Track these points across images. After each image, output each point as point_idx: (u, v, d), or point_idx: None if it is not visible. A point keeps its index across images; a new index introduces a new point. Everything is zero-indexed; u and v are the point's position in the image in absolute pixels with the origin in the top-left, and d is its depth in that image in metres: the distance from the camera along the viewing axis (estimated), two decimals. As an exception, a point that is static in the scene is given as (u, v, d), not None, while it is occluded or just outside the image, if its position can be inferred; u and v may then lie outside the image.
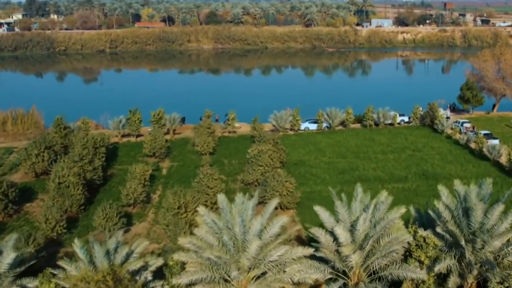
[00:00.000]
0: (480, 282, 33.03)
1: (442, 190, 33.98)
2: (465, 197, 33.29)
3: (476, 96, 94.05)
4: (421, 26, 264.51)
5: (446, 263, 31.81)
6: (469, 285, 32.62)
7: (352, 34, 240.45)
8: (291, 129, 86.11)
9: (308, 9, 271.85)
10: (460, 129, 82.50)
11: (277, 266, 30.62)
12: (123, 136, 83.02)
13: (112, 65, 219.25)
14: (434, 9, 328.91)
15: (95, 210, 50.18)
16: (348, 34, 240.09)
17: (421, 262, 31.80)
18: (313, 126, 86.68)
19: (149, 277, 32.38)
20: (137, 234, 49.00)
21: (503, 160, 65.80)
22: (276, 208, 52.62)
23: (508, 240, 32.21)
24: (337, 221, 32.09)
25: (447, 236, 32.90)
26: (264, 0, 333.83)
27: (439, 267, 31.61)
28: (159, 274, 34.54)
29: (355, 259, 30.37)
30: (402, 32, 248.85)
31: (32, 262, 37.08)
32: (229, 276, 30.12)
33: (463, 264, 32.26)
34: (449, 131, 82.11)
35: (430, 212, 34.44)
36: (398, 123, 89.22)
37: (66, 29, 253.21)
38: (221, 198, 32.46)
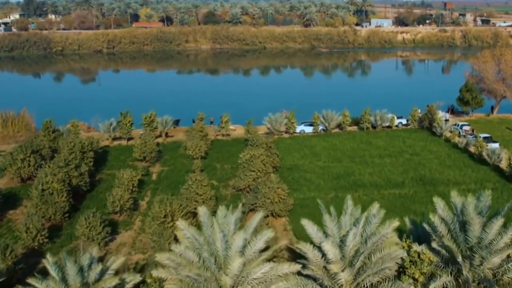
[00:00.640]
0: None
1: (438, 202, 31.96)
2: (462, 210, 31.28)
3: (476, 98, 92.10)
4: (421, 26, 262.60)
5: (442, 280, 29.80)
6: (467, 303, 30.75)
7: (351, 34, 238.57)
8: (286, 132, 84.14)
9: (307, 9, 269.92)
10: (459, 132, 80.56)
11: (262, 283, 28.65)
12: (114, 139, 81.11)
13: (109, 65, 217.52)
14: (434, 9, 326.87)
15: (80, 217, 48.26)
16: (347, 34, 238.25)
17: (415, 280, 29.81)
18: (309, 129, 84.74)
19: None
20: (123, 244, 47.24)
21: (503, 165, 63.87)
22: (267, 216, 51.15)
23: (508, 256, 30.22)
24: (326, 236, 30.07)
25: (443, 251, 30.90)
26: (263, 0, 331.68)
27: (435, 285, 29.61)
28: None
29: (344, 277, 28.42)
30: (401, 32, 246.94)
31: (6, 276, 35.25)
32: (210, 295, 28.26)
33: (460, 281, 30.27)
34: (448, 134, 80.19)
35: (425, 225, 32.36)
36: (396, 126, 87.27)
37: (64, 29, 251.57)
38: (202, 211, 30.52)
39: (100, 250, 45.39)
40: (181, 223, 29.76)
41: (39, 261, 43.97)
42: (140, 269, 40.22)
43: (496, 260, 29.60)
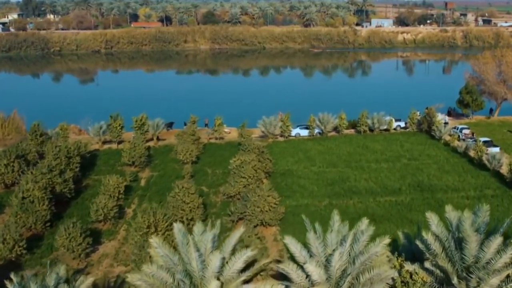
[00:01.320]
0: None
1: (431, 217, 29.79)
2: (458, 226, 29.11)
3: (476, 100, 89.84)
4: (421, 26, 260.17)
5: (436, 303, 27.74)
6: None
7: (351, 35, 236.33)
8: (281, 135, 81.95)
9: (307, 9, 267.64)
10: (459, 136, 78.36)
11: (241, 306, 26.57)
12: (104, 142, 78.99)
13: (107, 65, 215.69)
14: (435, 9, 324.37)
15: (60, 228, 46.15)
16: (347, 35, 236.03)
17: (407, 301, 27.74)
18: (304, 132, 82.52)
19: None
20: (105, 254, 45.13)
21: (504, 170, 61.57)
22: (257, 225, 49.11)
23: (508, 277, 28.03)
24: (310, 256, 27.92)
25: (437, 271, 28.75)
26: (263, 0, 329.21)
27: (428, 308, 27.56)
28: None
29: (330, 299, 26.35)
30: (402, 32, 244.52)
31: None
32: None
33: (455, 303, 28.19)
34: (447, 138, 77.96)
35: (418, 243, 30.12)
36: (394, 129, 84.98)
37: (62, 29, 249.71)
38: (177, 227, 28.38)
39: (81, 262, 43.49)
40: (154, 240, 27.64)
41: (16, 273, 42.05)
42: (119, 285, 38.21)
43: (494, 281, 27.36)
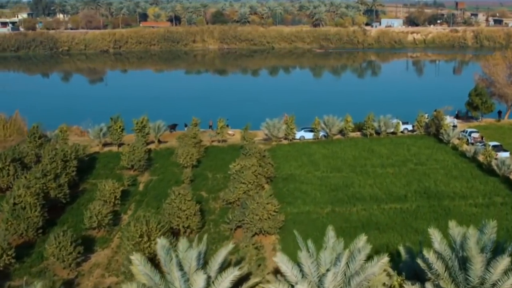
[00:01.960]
0: None
1: (434, 234, 27.78)
2: (462, 244, 27.12)
3: (486, 103, 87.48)
4: (431, 26, 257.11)
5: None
6: None
7: (360, 35, 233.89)
8: (285, 138, 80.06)
9: (317, 9, 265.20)
10: (468, 140, 76.19)
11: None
12: (105, 145, 77.49)
13: (115, 65, 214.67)
14: (446, 9, 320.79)
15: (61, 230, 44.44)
16: (356, 34, 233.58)
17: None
18: (309, 135, 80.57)
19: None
20: (97, 264, 43.52)
21: (514, 176, 59.59)
22: (256, 234, 47.38)
23: (515, 299, 26.11)
24: (303, 275, 26.08)
25: (440, 293, 26.82)
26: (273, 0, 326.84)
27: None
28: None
29: (323, 322, 24.51)
30: (412, 32, 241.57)
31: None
32: None
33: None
34: (456, 142, 75.78)
35: (420, 261, 28.08)
36: (401, 132, 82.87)
37: (71, 28, 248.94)
38: (160, 243, 26.65)
39: (71, 272, 41.91)
40: (136, 257, 25.90)
41: (3, 284, 40.58)
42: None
43: (501, 304, 25.48)
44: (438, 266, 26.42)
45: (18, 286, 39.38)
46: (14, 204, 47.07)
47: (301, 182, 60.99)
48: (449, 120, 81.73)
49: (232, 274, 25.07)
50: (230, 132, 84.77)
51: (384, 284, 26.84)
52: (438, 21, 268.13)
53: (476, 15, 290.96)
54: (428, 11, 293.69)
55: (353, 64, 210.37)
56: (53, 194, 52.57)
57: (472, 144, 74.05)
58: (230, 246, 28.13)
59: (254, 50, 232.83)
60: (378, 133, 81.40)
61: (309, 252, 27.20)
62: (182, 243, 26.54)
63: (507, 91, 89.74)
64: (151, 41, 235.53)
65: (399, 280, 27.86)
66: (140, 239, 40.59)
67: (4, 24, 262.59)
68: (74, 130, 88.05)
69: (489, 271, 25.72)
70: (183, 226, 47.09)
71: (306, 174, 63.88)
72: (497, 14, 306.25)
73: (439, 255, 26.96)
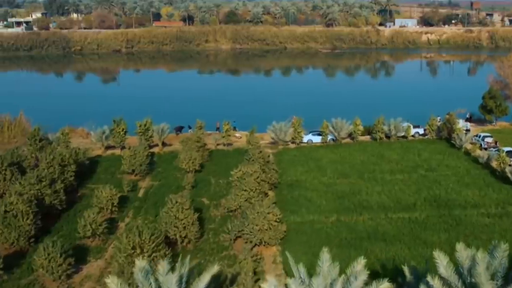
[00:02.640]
0: None
1: (440, 257, 25.41)
2: (470, 269, 24.78)
3: (500, 106, 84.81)
4: (446, 26, 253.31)
5: None
6: None
7: (374, 35, 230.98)
8: (292, 142, 77.95)
9: (330, 8, 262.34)
10: (481, 145, 73.61)
11: None
12: (107, 148, 75.86)
13: (127, 65, 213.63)
14: (461, 9, 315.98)
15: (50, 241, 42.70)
16: (369, 35, 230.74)
17: None
18: (317, 139, 78.38)
19: None
20: (88, 276, 41.71)
21: (529, 184, 57.05)
22: (256, 245, 45.41)
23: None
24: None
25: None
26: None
27: None
28: None
29: None
30: (426, 33, 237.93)
31: None
32: None
33: None
34: (469, 147, 73.23)
35: None
36: (412, 136, 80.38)
37: (85, 28, 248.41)
38: (139, 265, 24.70)
39: (61, 284, 40.17)
40: (112, 280, 23.96)
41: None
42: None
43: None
44: (443, 293, 24.14)
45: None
46: (5, 212, 45.41)
47: (307, 189, 58.87)
48: (461, 124, 79.13)
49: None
50: (237, 134, 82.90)
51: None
52: (453, 21, 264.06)
53: (491, 15, 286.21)
54: (443, 11, 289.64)
55: (366, 65, 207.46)
56: (48, 201, 50.92)
57: (486, 149, 71.50)
58: (215, 268, 26.03)
59: (267, 50, 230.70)
60: (388, 137, 79.03)
61: (300, 278, 25.07)
62: (162, 265, 24.53)
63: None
64: (163, 40, 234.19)
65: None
66: (133, 251, 38.77)
67: (19, 23, 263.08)
68: (79, 132, 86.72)
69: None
70: (180, 236, 45.24)
71: (312, 180, 61.74)
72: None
73: (445, 281, 24.64)
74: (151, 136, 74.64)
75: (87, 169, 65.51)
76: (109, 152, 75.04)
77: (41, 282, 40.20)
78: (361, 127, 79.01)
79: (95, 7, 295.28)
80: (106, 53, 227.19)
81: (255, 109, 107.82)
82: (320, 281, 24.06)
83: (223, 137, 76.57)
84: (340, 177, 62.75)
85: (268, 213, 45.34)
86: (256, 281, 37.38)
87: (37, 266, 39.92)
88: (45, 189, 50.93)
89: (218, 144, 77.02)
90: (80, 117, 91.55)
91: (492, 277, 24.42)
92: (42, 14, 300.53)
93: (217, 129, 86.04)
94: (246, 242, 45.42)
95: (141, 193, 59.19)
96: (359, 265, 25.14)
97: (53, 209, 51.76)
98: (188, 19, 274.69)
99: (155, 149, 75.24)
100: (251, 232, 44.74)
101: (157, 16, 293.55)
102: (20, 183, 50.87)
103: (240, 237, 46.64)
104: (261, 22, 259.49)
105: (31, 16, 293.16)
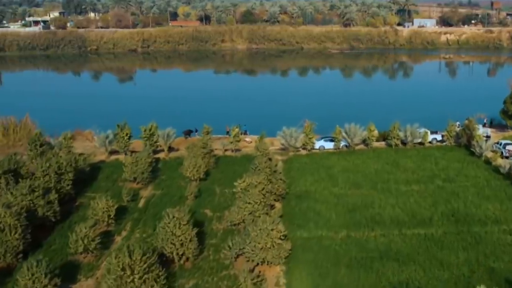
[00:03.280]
0: None
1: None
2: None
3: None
4: (465, 26, 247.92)
5: None
6: None
7: (392, 35, 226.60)
8: (303, 148, 74.63)
9: (347, 8, 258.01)
10: (502, 153, 69.70)
11: None
12: (112, 152, 73.15)
13: (143, 65, 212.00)
14: (481, 8, 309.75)
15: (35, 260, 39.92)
16: (387, 35, 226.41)
17: None
18: (329, 145, 74.91)
19: None
20: (78, 296, 39.03)
21: (554, 197, 53.26)
22: (258, 264, 42.34)
23: None
24: None
25: None
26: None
27: None
28: None
29: None
30: (445, 33, 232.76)
31: None
32: None
33: None
34: (489, 155, 69.32)
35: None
36: (430, 142, 76.53)
37: (101, 27, 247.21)
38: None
39: (48, 306, 37.43)
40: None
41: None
42: None
43: None
44: None
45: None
46: (-7, 225, 42.86)
47: (316, 201, 55.58)
48: (481, 130, 75.19)
49: None
50: (247, 139, 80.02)
51: None
52: (473, 21, 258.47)
53: None
54: (462, 11, 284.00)
55: (383, 65, 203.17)
56: (41, 212, 48.31)
57: (507, 157, 67.67)
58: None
59: (283, 50, 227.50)
60: (404, 143, 75.37)
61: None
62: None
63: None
64: (179, 40, 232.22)
65: None
66: (123, 273, 35.93)
67: (36, 22, 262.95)
68: (86, 135, 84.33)
69: None
70: (177, 254, 42.29)
71: (323, 191, 58.43)
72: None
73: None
74: (156, 141, 71.82)
75: (87, 176, 62.87)
76: (113, 157, 72.23)
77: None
78: (375, 133, 75.50)
79: (112, 6, 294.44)
80: (122, 52, 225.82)
81: (270, 109, 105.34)
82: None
83: (231, 142, 73.40)
84: (352, 188, 59.41)
85: (272, 229, 42.25)
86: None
87: (20, 287, 37.15)
88: (37, 200, 48.36)
89: (226, 150, 73.94)
90: (90, 118, 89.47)
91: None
92: (60, 13, 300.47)
93: (227, 133, 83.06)
94: (248, 261, 42.43)
95: (141, 203, 56.33)
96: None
97: (47, 221, 49.12)
98: (205, 18, 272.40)
99: (161, 154, 72.45)
100: (252, 250, 41.69)
101: (174, 16, 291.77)
102: (11, 193, 48.31)
103: (242, 254, 43.60)
104: (278, 21, 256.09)
105: (49, 15, 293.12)
